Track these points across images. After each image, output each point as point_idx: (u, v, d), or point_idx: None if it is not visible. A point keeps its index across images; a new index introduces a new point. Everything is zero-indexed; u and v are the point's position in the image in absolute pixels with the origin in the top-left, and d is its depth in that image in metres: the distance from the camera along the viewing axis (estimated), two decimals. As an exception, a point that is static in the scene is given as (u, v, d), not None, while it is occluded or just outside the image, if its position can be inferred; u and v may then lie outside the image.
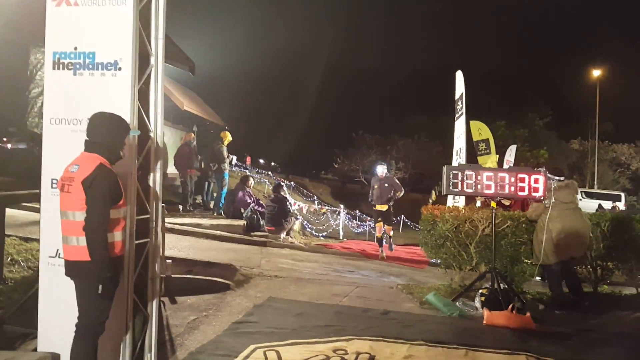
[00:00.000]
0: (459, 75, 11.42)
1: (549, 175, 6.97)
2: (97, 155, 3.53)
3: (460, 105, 11.27)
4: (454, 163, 11.05)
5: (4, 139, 13.68)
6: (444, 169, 6.77)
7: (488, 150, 11.89)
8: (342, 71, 45.90)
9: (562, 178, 7.06)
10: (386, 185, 11.59)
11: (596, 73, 34.24)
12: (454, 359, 4.72)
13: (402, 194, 11.85)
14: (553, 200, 6.83)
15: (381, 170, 11.80)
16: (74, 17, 3.96)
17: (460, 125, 11.29)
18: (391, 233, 12.02)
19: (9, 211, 6.00)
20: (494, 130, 13.79)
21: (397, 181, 12.37)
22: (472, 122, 12.17)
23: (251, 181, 14.52)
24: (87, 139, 3.59)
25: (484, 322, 6.00)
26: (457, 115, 11.46)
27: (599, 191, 28.64)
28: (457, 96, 11.48)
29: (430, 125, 37.40)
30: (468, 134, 11.99)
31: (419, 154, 35.68)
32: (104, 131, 3.58)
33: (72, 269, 3.52)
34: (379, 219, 11.69)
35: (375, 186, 11.63)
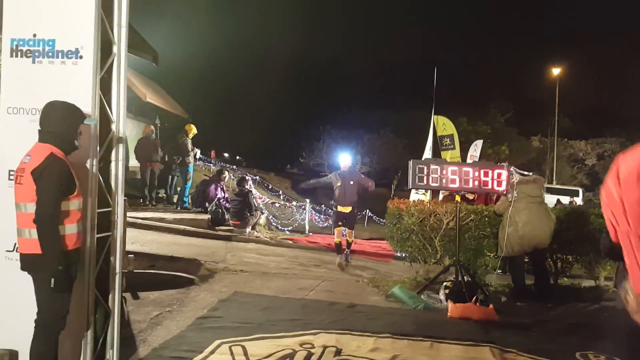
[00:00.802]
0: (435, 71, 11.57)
1: (515, 170, 7.17)
2: (49, 145, 3.42)
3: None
4: (426, 157, 11.18)
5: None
6: (410, 163, 6.84)
7: (452, 146, 12.10)
8: (308, 64, 45.71)
9: (530, 173, 7.28)
10: (351, 182, 9.31)
11: (556, 71, 35.18)
12: (420, 351, 4.77)
13: (373, 186, 9.87)
14: (515, 195, 7.00)
15: (346, 161, 9.66)
16: (32, 2, 3.81)
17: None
18: (352, 238, 9.67)
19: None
20: (456, 126, 13.97)
21: (363, 175, 10.52)
22: (436, 117, 12.36)
23: (226, 175, 14.35)
24: (39, 128, 3.47)
25: (449, 314, 6.09)
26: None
27: (557, 187, 29.43)
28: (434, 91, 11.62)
29: (396, 119, 37.74)
30: (434, 128, 12.16)
31: (384, 149, 35.97)
32: (57, 120, 3.47)
33: (26, 262, 3.40)
34: (339, 222, 9.38)
35: (338, 184, 9.30)
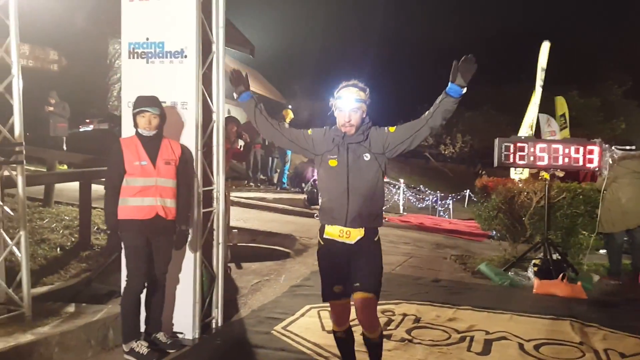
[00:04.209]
0: (545, 46, 10.59)
1: (616, 147, 7.01)
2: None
3: (542, 77, 10.58)
4: (524, 134, 10.42)
5: (87, 120, 14.81)
6: (496, 141, 6.89)
7: (565, 124, 11.46)
8: (400, 42, 44.98)
9: (632, 147, 7.09)
10: (366, 157, 3.27)
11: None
12: (497, 322, 4.97)
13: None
14: (618, 170, 6.86)
15: (352, 100, 3.23)
16: (145, 10, 4.43)
17: (537, 97, 10.64)
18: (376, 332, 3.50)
19: (93, 186, 6.72)
20: (567, 100, 12.97)
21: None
22: (557, 98, 11.75)
23: None
24: None
25: (534, 290, 6.18)
26: (538, 86, 10.65)
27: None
28: (540, 67, 10.72)
29: (497, 95, 36.31)
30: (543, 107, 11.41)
31: (486, 127, 34.80)
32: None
33: None
34: (337, 285, 3.35)
35: (328, 162, 3.33)
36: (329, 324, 4.68)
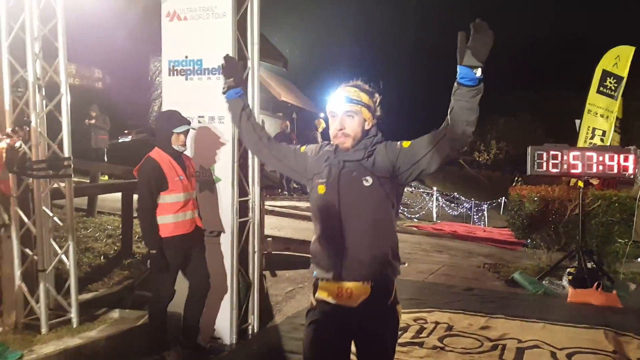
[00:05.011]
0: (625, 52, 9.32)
1: None
2: (155, 148, 4.06)
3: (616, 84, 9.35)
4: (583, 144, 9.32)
5: (126, 131, 15.31)
6: (529, 149, 6.89)
7: (614, 93, 9.44)
8: (432, 46, 44.49)
9: None
10: (366, 181, 2.36)
11: None
12: (530, 331, 4.97)
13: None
14: None
15: (345, 100, 2.39)
16: (184, 30, 4.66)
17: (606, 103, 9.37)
18: None
19: (134, 196, 7.00)
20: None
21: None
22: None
23: None
24: None
25: (568, 299, 6.14)
26: (612, 93, 9.38)
27: None
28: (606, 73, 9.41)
29: (533, 101, 35.74)
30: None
31: (521, 133, 34.30)
32: (155, 124, 4.21)
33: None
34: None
35: (317, 187, 2.45)
36: (361, 331, 4.80)
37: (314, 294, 2.47)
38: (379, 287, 2.36)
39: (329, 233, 2.39)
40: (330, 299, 2.38)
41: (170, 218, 3.96)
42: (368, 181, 2.34)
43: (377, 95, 2.45)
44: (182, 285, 4.20)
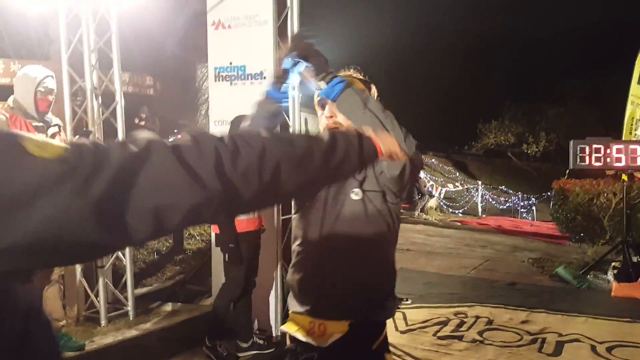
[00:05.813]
0: None
1: None
2: None
3: None
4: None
5: (175, 131, 15.89)
6: (571, 143, 6.84)
7: None
8: (479, 36, 43.50)
9: None
10: (354, 195, 1.93)
11: None
12: (572, 325, 4.99)
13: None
14: None
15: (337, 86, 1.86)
16: (228, 37, 4.90)
17: None
18: None
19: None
20: None
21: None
22: None
23: None
24: None
25: (612, 293, 6.09)
26: None
27: None
28: None
29: (585, 89, 34.60)
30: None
31: (572, 124, 33.24)
32: (232, 129, 4.35)
33: (216, 240, 4.48)
34: None
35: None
36: (402, 325, 4.96)
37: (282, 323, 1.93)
38: (360, 327, 1.87)
39: (306, 255, 2.00)
40: (299, 334, 1.94)
41: (243, 215, 4.18)
42: (356, 195, 1.90)
43: (373, 86, 2.10)
44: (217, 280, 4.41)
